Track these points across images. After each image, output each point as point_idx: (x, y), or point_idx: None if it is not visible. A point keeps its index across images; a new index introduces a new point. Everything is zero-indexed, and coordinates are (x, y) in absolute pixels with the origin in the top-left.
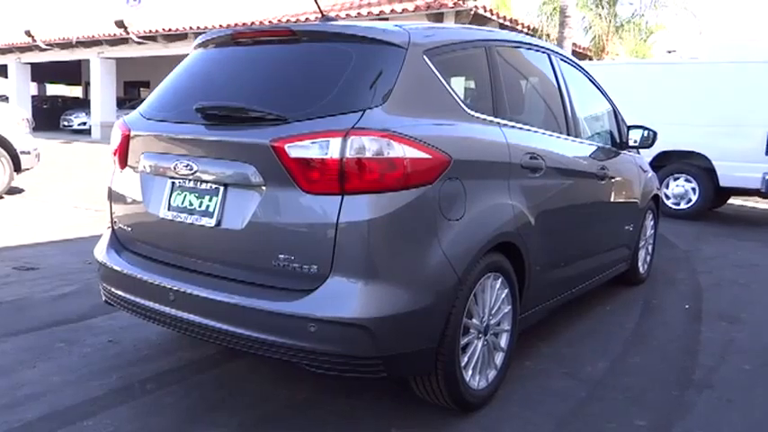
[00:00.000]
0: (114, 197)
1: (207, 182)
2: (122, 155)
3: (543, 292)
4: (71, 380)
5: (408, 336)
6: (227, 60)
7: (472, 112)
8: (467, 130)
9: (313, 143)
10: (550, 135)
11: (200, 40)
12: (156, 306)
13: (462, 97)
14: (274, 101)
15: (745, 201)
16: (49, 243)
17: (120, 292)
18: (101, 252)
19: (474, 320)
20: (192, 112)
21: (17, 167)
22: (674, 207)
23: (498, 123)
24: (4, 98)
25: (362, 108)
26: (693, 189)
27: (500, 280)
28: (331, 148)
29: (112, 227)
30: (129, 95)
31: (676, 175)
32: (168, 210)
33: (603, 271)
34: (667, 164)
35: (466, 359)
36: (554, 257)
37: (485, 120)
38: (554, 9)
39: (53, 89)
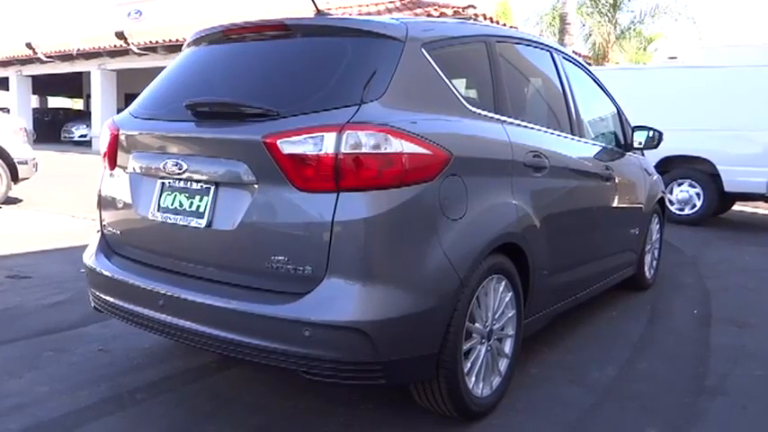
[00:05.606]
0: (104, 200)
1: (197, 181)
2: (111, 156)
3: (548, 296)
4: (59, 390)
5: (408, 340)
6: (220, 57)
7: (473, 108)
8: (467, 126)
9: (307, 138)
10: (554, 134)
11: (192, 37)
12: (145, 312)
13: (462, 93)
14: (267, 96)
15: (755, 207)
16: (45, 252)
17: (108, 298)
18: (89, 257)
19: (477, 325)
20: (183, 109)
21: (14, 177)
22: (678, 213)
23: (500, 120)
24: (6, 111)
25: (358, 102)
26: (698, 194)
27: (503, 283)
28: (326, 144)
29: (102, 231)
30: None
31: (680, 181)
32: (158, 211)
33: (610, 275)
34: (671, 169)
35: (469, 365)
36: (559, 259)
37: (486, 116)
38: (554, 17)
39: (55, 102)
